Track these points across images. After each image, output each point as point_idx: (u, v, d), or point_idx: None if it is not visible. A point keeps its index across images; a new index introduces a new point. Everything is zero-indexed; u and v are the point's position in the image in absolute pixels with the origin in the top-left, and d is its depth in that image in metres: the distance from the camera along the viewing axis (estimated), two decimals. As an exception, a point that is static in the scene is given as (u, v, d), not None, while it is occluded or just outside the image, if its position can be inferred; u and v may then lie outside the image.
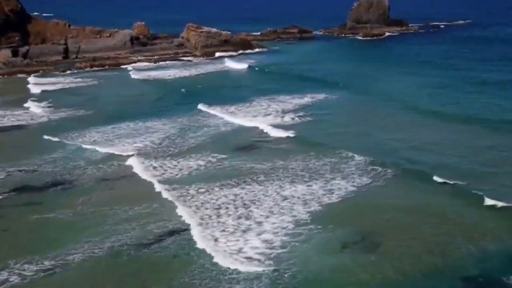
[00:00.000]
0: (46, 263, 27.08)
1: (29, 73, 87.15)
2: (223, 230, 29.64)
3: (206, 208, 32.61)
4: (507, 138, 43.86)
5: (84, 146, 46.21)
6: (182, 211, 32.34)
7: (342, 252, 27.08)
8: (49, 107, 63.25)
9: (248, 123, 51.83)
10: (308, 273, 25.24)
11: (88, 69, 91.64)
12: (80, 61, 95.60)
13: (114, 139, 48.24)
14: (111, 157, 43.12)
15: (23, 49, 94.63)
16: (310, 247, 27.53)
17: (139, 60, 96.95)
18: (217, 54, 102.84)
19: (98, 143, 47.16)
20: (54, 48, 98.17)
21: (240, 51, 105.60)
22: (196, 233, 29.60)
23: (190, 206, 33.03)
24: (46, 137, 49.40)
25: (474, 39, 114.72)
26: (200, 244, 28.40)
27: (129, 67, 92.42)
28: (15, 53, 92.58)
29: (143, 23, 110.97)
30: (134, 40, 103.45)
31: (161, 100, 65.68)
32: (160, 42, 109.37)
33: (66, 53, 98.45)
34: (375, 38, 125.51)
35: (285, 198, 33.54)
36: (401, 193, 33.92)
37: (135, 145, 46.12)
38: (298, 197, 33.49)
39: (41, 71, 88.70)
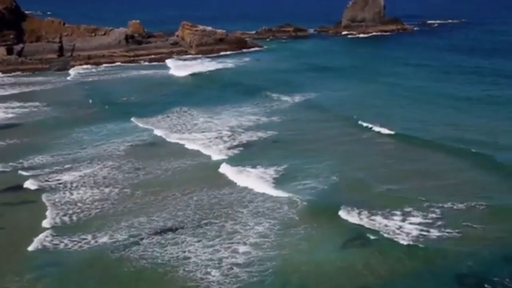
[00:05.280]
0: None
1: (23, 71, 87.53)
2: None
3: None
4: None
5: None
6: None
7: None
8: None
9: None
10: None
11: (83, 68, 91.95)
12: (75, 59, 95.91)
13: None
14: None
15: (17, 47, 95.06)
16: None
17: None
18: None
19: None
20: (48, 46, 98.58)
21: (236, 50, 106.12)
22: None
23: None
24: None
25: (462, 44, 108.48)
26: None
27: (71, 70, 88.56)
28: (9, 51, 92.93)
29: (138, 21, 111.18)
30: (129, 38, 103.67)
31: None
32: (155, 40, 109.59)
33: (60, 51, 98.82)
34: (367, 37, 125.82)
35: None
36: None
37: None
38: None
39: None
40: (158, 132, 49.90)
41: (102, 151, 45.18)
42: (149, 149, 45.55)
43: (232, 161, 41.07)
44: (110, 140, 48.23)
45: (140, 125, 53.00)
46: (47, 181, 38.54)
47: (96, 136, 49.79)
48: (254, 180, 37.01)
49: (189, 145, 45.53)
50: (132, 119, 54.95)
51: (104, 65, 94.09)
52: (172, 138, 48.10)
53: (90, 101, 65.39)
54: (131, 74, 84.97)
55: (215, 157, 42.36)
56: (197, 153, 43.50)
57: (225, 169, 39.16)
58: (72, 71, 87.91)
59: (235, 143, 45.86)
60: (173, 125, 52.76)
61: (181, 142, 46.69)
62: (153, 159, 42.60)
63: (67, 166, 41.61)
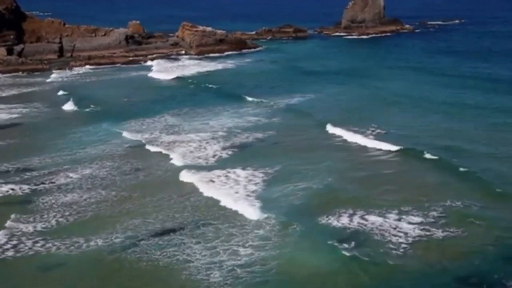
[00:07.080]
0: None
1: (23, 72, 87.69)
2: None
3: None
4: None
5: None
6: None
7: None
8: None
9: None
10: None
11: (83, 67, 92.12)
12: (75, 59, 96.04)
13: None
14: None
15: (18, 48, 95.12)
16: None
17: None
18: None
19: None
20: (48, 47, 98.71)
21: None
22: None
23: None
24: None
25: (461, 46, 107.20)
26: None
27: (55, 73, 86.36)
28: (10, 52, 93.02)
29: (138, 22, 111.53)
30: (129, 39, 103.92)
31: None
32: (155, 41, 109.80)
33: (61, 51, 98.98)
34: (367, 38, 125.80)
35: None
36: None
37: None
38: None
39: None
40: (152, 134, 49.79)
41: (101, 151, 45.19)
42: (143, 150, 45.40)
43: (228, 162, 41.38)
44: (102, 142, 47.94)
45: (136, 126, 52.89)
46: (42, 183, 38.43)
47: (93, 137, 49.68)
48: (245, 182, 37.21)
49: (183, 146, 45.60)
50: (128, 120, 54.88)
51: (101, 66, 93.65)
52: (166, 139, 47.86)
53: (83, 102, 64.71)
54: (130, 75, 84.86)
55: (209, 159, 42.44)
56: (189, 154, 43.70)
57: (222, 171, 39.22)
58: (56, 75, 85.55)
59: (228, 144, 46.04)
60: (168, 126, 52.74)
61: (173, 144, 46.53)
62: (147, 161, 42.66)
63: (65, 167, 41.57)
